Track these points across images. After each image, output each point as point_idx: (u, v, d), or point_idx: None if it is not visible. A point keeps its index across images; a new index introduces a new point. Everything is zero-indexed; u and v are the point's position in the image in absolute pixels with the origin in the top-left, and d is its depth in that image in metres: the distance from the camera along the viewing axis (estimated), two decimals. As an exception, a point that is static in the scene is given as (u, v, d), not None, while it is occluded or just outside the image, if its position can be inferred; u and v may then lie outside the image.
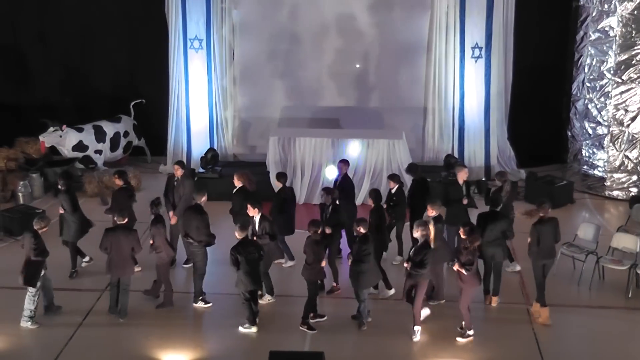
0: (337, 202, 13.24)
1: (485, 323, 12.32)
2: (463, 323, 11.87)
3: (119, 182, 13.97)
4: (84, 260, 14.04)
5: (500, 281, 12.76)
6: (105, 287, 13.09)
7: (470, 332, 11.80)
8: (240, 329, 12.01)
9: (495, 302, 12.79)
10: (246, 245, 11.74)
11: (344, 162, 14.67)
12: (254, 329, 12.01)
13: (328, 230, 12.79)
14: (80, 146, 18.15)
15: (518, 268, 13.86)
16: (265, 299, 12.79)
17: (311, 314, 12.13)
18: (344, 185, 14.25)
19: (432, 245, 11.57)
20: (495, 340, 11.87)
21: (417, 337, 11.74)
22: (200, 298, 12.74)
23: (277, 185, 14.37)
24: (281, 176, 14.16)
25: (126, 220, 12.40)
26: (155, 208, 12.74)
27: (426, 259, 11.44)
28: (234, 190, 13.79)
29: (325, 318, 12.27)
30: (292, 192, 14.42)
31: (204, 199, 12.82)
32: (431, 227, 11.60)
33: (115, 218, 12.36)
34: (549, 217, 12.27)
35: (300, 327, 11.99)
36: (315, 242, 11.90)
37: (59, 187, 13.86)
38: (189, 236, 12.62)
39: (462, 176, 13.86)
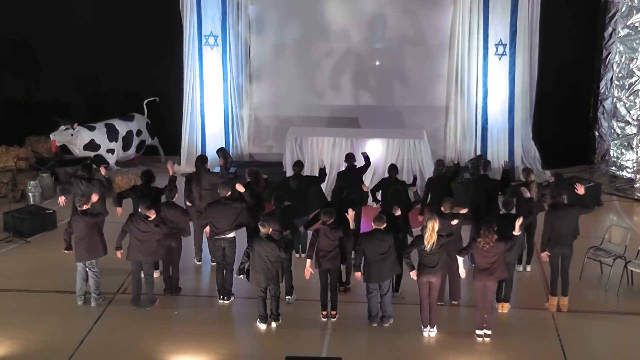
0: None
1: (509, 327, 12.04)
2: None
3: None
4: None
5: (511, 287, 12.44)
6: (117, 290, 13.00)
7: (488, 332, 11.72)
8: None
9: (507, 309, 12.45)
10: (262, 241, 11.59)
11: (349, 155, 14.69)
12: (262, 326, 11.95)
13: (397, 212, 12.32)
14: (92, 145, 17.97)
15: (521, 269, 13.60)
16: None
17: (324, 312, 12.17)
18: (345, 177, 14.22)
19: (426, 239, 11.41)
20: (518, 346, 11.60)
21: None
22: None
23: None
24: (295, 165, 14.13)
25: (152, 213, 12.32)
26: (169, 193, 12.89)
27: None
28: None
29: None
30: (303, 180, 14.00)
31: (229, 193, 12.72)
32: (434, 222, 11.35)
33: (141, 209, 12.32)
34: (564, 204, 12.13)
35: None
36: (331, 230, 11.77)
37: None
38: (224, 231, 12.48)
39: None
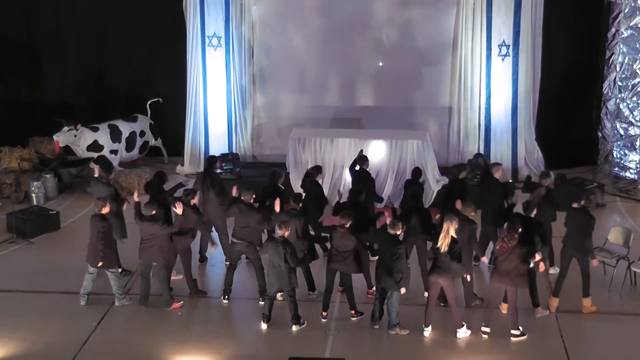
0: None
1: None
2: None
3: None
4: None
5: (535, 292, 12.30)
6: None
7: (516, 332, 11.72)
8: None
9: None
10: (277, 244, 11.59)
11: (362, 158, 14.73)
12: (263, 325, 11.96)
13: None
14: (95, 146, 17.87)
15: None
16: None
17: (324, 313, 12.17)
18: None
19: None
20: (521, 346, 11.60)
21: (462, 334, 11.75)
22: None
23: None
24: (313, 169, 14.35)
25: (154, 212, 12.29)
26: (186, 198, 12.73)
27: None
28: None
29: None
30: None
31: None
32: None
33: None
34: (582, 208, 12.20)
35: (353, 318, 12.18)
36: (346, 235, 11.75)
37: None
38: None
39: (498, 175, 13.82)
